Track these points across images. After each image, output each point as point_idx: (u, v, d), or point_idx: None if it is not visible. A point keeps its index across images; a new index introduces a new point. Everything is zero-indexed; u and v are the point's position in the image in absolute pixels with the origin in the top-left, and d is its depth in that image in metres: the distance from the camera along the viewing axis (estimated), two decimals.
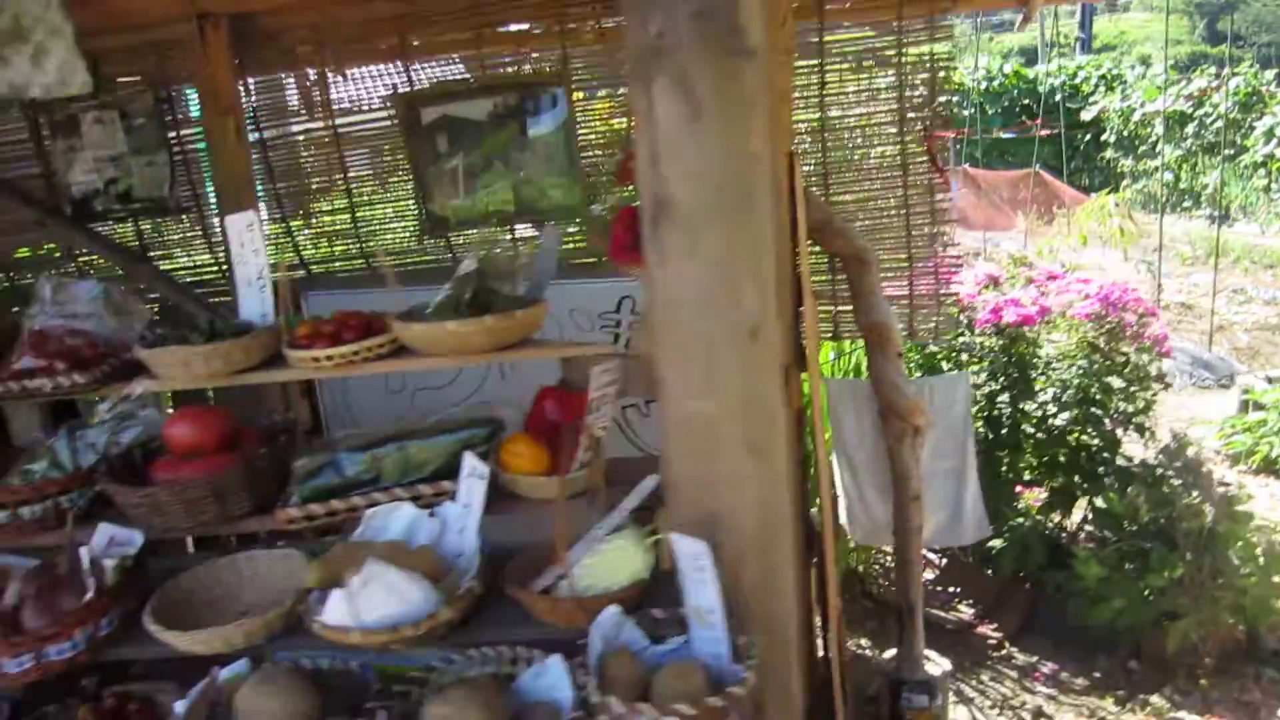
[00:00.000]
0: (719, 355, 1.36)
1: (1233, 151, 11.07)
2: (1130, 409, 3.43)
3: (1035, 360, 3.49)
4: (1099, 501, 3.33)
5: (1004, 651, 3.36)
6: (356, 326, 1.89)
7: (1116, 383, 3.40)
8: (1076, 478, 3.41)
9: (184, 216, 3.38)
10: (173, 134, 3.27)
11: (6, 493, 1.79)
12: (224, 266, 3.39)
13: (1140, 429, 3.46)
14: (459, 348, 1.78)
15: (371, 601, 1.47)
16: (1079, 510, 3.56)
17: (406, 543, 1.64)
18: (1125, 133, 12.75)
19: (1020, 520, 3.43)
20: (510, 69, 3.13)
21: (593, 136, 3.09)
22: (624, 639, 1.48)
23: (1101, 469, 3.40)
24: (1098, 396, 3.35)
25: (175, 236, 3.46)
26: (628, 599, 1.51)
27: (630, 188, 1.67)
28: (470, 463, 1.63)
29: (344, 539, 1.67)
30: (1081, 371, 3.37)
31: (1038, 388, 3.45)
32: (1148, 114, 12.22)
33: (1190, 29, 25.63)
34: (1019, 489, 3.57)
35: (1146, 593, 2.99)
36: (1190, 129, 11.86)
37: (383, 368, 1.88)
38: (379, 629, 1.47)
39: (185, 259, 3.51)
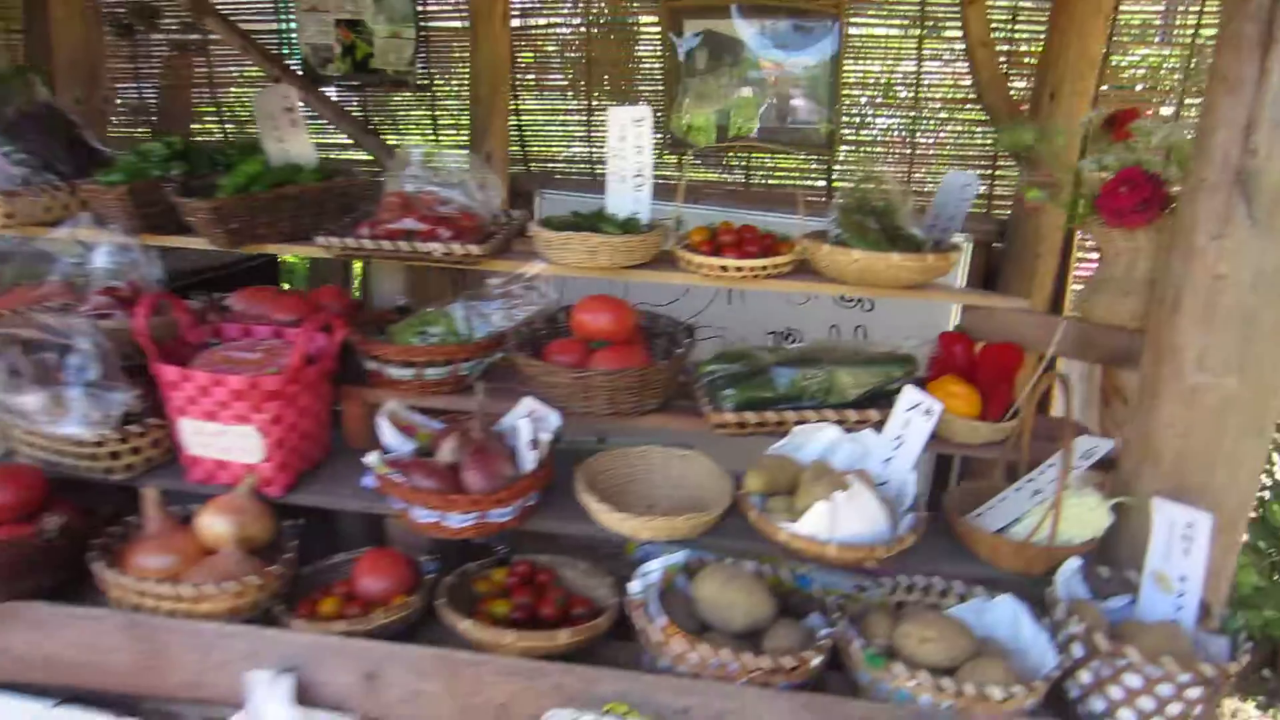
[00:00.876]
0: (1259, 335, 1.42)
1: None
2: None
3: None
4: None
5: None
6: (755, 240, 1.91)
7: None
8: None
9: (419, 95, 3.34)
10: (421, 7, 3.21)
11: (417, 352, 1.81)
12: (451, 143, 3.36)
13: None
14: (867, 279, 1.81)
15: (849, 519, 1.53)
16: None
17: (826, 463, 1.70)
18: None
19: None
20: None
21: (858, 73, 3.10)
22: (1076, 591, 1.56)
23: None
24: None
25: (402, 113, 3.42)
26: (1085, 553, 1.58)
27: (1118, 142, 1.67)
28: (915, 397, 1.68)
29: (770, 451, 1.72)
30: None
31: None
32: None
33: None
34: None
35: None
36: None
37: (780, 286, 1.90)
38: (856, 545, 1.53)
39: (410, 137, 3.46)
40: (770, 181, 3.35)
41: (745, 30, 3.14)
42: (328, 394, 1.87)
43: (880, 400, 1.80)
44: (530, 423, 1.70)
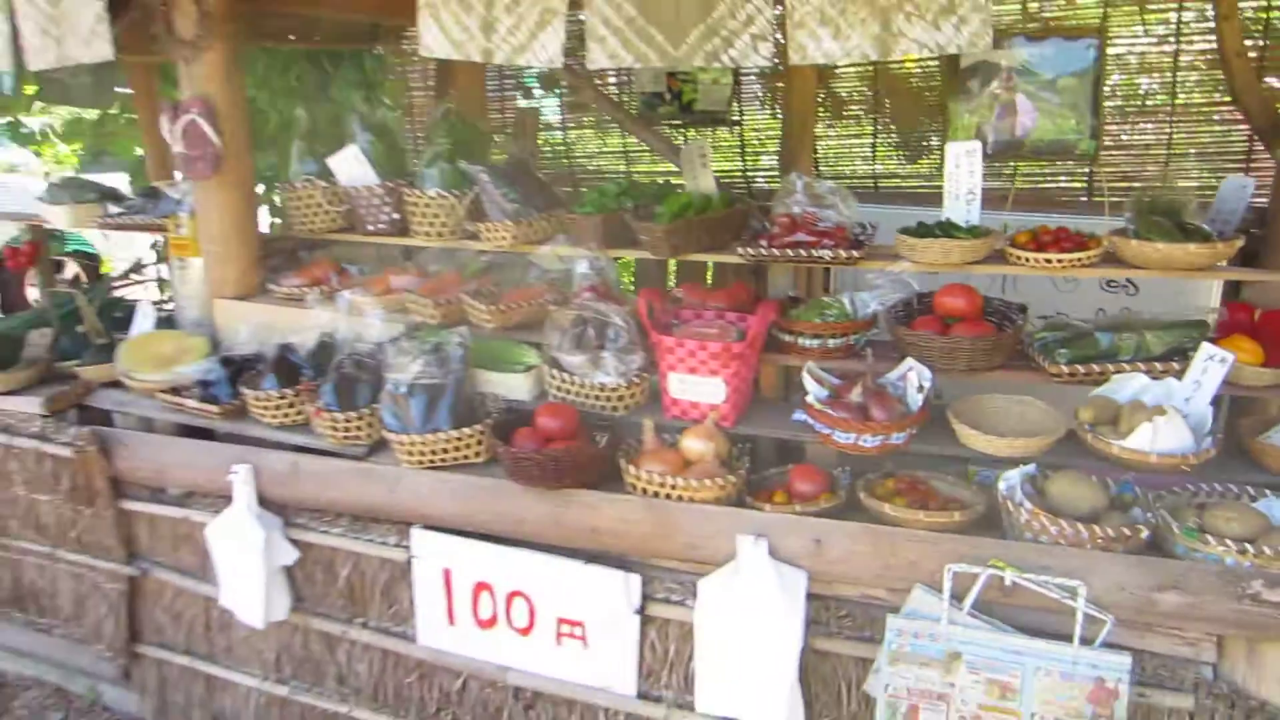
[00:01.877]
0: None
1: None
2: None
3: None
4: None
5: None
6: (1070, 238, 2.58)
7: None
8: None
9: (731, 130, 4.19)
10: None
11: (822, 327, 2.62)
12: (748, 174, 4.19)
13: None
14: (1168, 265, 2.43)
15: (1166, 436, 2.18)
16: None
17: (1141, 401, 2.35)
18: None
19: None
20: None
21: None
22: None
23: None
24: None
25: (715, 144, 4.29)
26: None
27: None
28: (1211, 350, 2.30)
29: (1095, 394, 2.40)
30: None
31: None
32: None
33: None
34: None
35: None
36: None
37: (1088, 273, 2.56)
38: (1171, 455, 2.18)
39: (725, 164, 4.33)
40: (1042, 185, 3.95)
41: (1014, 55, 3.75)
42: (757, 358, 2.70)
43: (1177, 356, 2.42)
44: (916, 374, 2.45)
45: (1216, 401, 2.36)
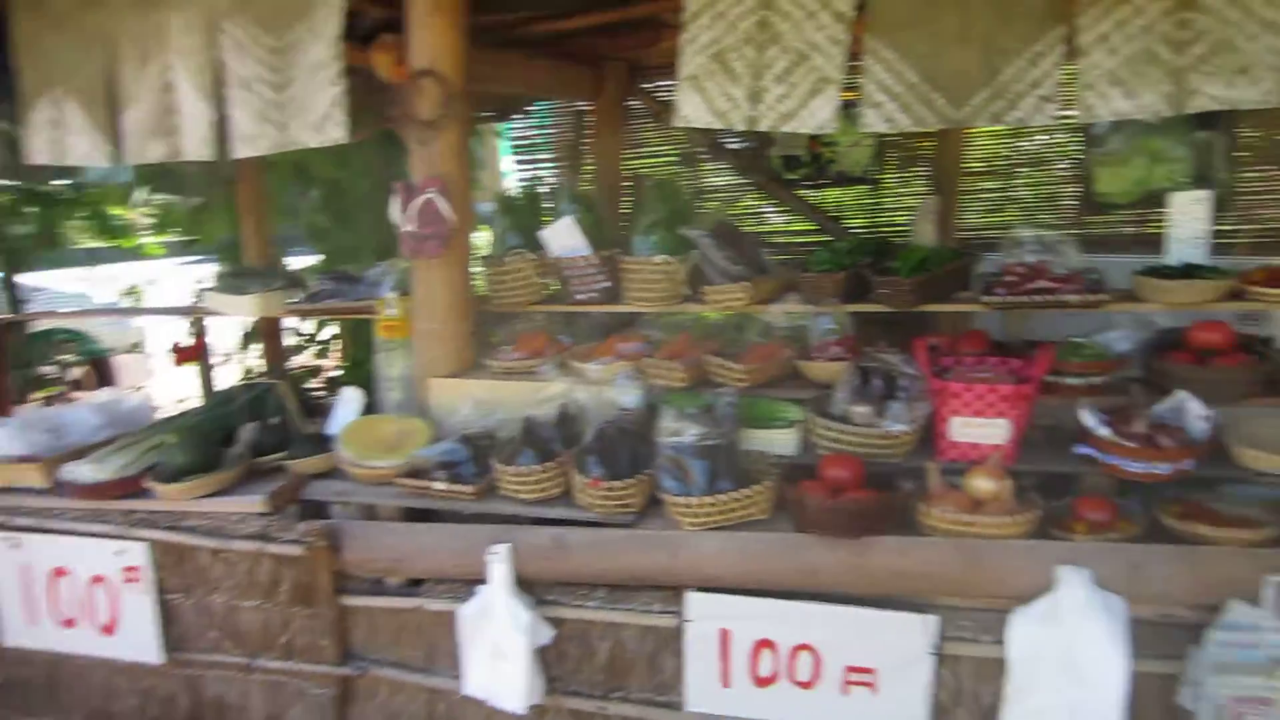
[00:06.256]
0: None
1: None
2: None
3: None
4: None
5: None
6: None
7: None
8: None
9: (873, 189, 4.59)
10: None
11: (1088, 366, 2.96)
12: (893, 229, 4.57)
13: None
14: None
15: None
16: None
17: None
18: None
19: None
20: None
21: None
22: None
23: None
24: None
25: (856, 203, 4.69)
26: None
27: None
28: None
29: None
30: None
31: None
32: None
33: None
34: None
35: None
36: None
37: None
38: None
39: (860, 220, 4.73)
40: None
41: None
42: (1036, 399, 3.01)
43: None
44: (1195, 405, 2.79)
45: None
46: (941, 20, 2.67)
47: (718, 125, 2.91)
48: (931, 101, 2.73)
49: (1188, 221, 3.09)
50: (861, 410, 2.89)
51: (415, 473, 3.20)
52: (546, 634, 3.06)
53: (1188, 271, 2.99)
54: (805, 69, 2.79)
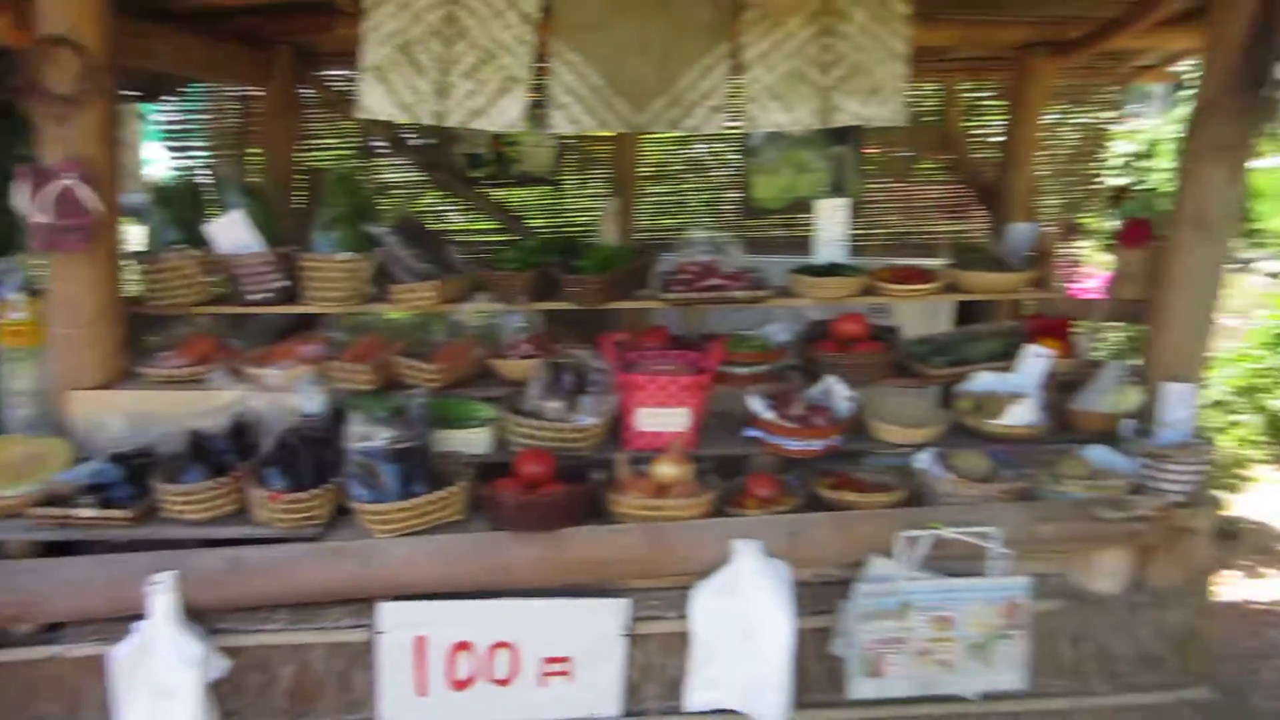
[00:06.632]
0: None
1: None
2: None
3: None
4: None
5: None
6: (919, 274, 3.50)
7: None
8: None
9: (554, 189, 4.70)
10: None
11: (747, 355, 3.25)
12: (574, 229, 4.73)
13: None
14: (989, 289, 3.46)
15: (1025, 414, 3.14)
16: None
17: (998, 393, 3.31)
18: None
19: None
20: None
21: None
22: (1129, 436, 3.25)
23: None
24: None
25: (538, 203, 4.76)
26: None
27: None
28: (1036, 350, 3.32)
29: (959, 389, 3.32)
30: None
31: None
32: None
33: None
34: None
35: None
36: None
37: (933, 299, 3.52)
38: (1029, 427, 3.13)
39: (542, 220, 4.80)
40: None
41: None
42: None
43: (1006, 356, 3.44)
44: (839, 388, 3.18)
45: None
46: (621, 27, 2.81)
47: (403, 119, 2.85)
48: (614, 105, 2.87)
49: (831, 225, 3.52)
50: (553, 406, 2.97)
51: (53, 500, 2.79)
52: (221, 666, 2.81)
53: (832, 269, 3.40)
54: (494, 67, 2.81)
